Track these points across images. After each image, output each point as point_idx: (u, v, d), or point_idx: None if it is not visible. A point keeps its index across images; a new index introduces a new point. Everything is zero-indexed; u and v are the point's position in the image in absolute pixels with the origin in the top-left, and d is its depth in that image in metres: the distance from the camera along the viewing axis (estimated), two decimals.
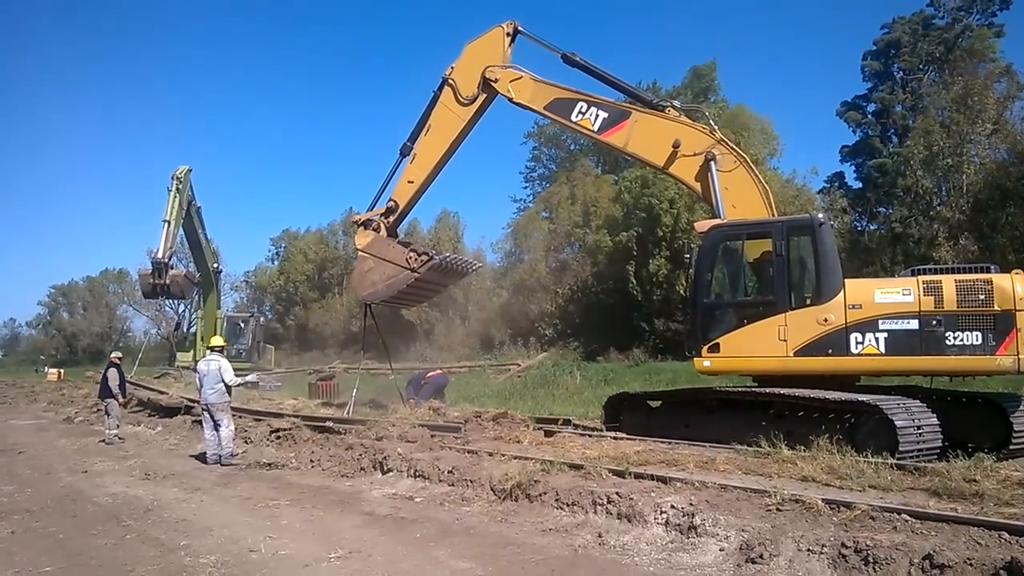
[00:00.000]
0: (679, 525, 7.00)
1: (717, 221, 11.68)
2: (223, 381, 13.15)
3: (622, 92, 13.81)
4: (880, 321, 10.11)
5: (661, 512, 7.24)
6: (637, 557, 6.68)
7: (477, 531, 7.81)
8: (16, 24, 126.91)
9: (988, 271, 10.04)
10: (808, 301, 10.73)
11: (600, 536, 7.21)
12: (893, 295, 10.13)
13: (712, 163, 11.97)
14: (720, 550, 6.50)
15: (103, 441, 16.17)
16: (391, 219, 14.90)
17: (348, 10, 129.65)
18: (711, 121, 13.08)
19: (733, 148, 12.35)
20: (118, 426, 16.79)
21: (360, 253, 14.99)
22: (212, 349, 14.05)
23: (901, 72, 48.28)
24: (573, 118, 13.28)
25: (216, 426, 13.08)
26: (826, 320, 10.40)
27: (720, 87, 48.42)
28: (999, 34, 44.41)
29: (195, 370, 13.69)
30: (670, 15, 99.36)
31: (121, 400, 17.47)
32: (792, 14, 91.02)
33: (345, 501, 9.59)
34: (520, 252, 50.41)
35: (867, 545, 5.75)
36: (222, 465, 12.78)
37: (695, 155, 12.20)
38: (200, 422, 14.02)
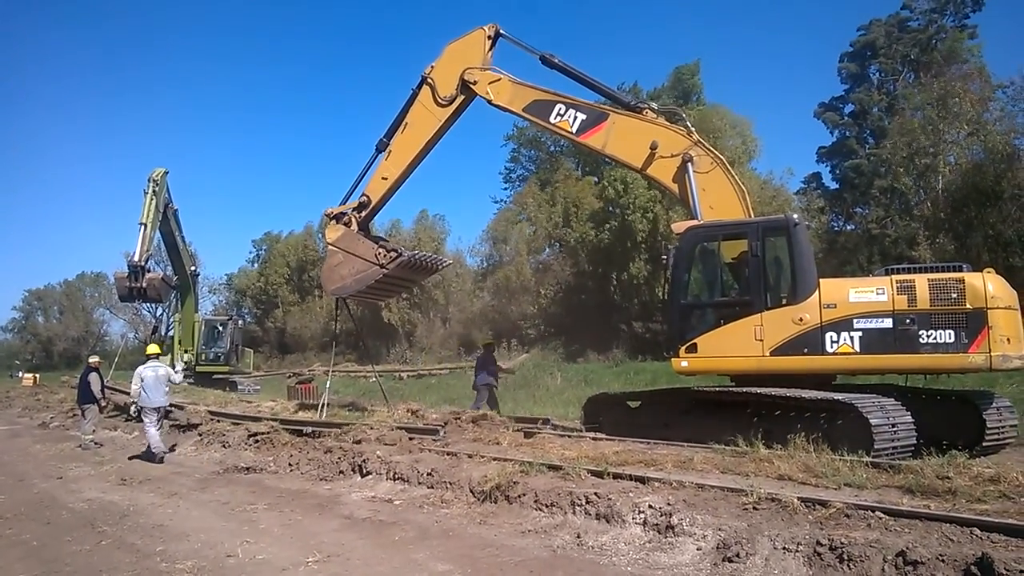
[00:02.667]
0: (657, 525, 7.03)
1: (694, 222, 11.75)
2: (170, 383, 14.77)
3: (600, 94, 13.84)
4: (855, 320, 10.20)
5: (639, 512, 7.28)
6: (615, 557, 6.71)
7: (456, 533, 7.81)
8: None
9: (960, 270, 10.17)
10: (784, 301, 10.80)
11: (579, 536, 7.23)
12: (867, 294, 10.22)
13: (689, 164, 12.01)
14: (697, 549, 6.54)
15: (79, 446, 16.00)
16: (363, 214, 14.84)
17: (331, 15, 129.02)
18: (688, 123, 13.11)
19: (710, 149, 12.40)
20: (94, 431, 16.63)
21: (330, 247, 14.93)
22: (150, 357, 14.96)
23: (878, 73, 48.80)
24: (552, 120, 13.30)
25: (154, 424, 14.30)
26: (801, 320, 10.48)
27: (703, 87, 48.74)
28: (972, 35, 45.03)
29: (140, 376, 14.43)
30: (648, 17, 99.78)
31: (103, 404, 17.33)
32: (769, 16, 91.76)
33: (324, 505, 9.55)
34: (497, 255, 50.44)
35: (842, 543, 5.81)
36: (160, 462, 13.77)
37: (672, 156, 12.24)
38: (138, 421, 15.18)
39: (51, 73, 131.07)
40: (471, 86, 13.86)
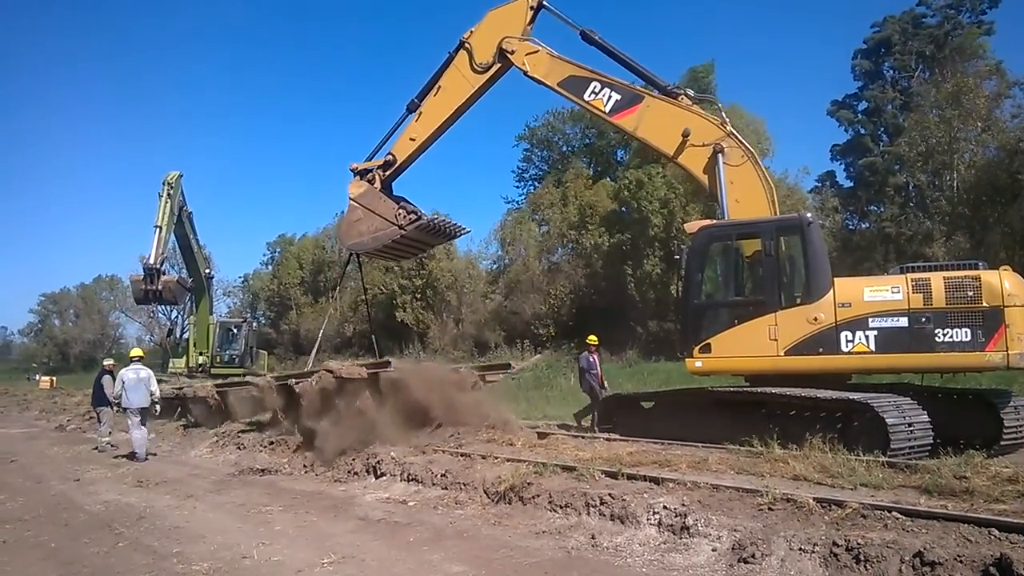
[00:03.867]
0: (672, 526, 7.01)
1: (706, 222, 11.76)
2: (151, 389, 14.98)
3: (638, 75, 13.64)
4: (870, 319, 10.15)
5: (654, 513, 7.26)
6: (630, 558, 6.69)
7: (470, 534, 7.81)
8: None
9: (976, 268, 10.09)
10: (798, 300, 10.76)
11: (593, 538, 7.21)
12: (882, 293, 10.17)
13: (720, 155, 11.91)
14: (713, 550, 6.51)
15: (96, 448, 16.12)
16: (387, 173, 14.89)
17: (345, 16, 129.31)
18: (722, 114, 12.92)
19: (742, 142, 12.24)
20: (111, 433, 16.76)
21: (351, 202, 14.96)
22: (133, 359, 15.39)
23: (892, 71, 48.45)
24: (586, 97, 13.19)
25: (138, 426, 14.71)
26: (816, 319, 10.43)
27: (716, 87, 48.43)
28: (989, 32, 44.68)
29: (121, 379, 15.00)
30: (661, 16, 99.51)
31: (116, 409, 17.47)
32: (781, 14, 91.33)
33: (338, 506, 9.57)
34: (507, 257, 50.39)
35: (858, 543, 5.77)
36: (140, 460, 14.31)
37: (704, 146, 12.12)
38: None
39: (66, 79, 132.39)
40: (508, 55, 13.76)
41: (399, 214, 14.20)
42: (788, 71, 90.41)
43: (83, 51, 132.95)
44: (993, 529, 5.68)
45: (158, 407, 15.62)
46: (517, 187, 62.65)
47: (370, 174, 14.83)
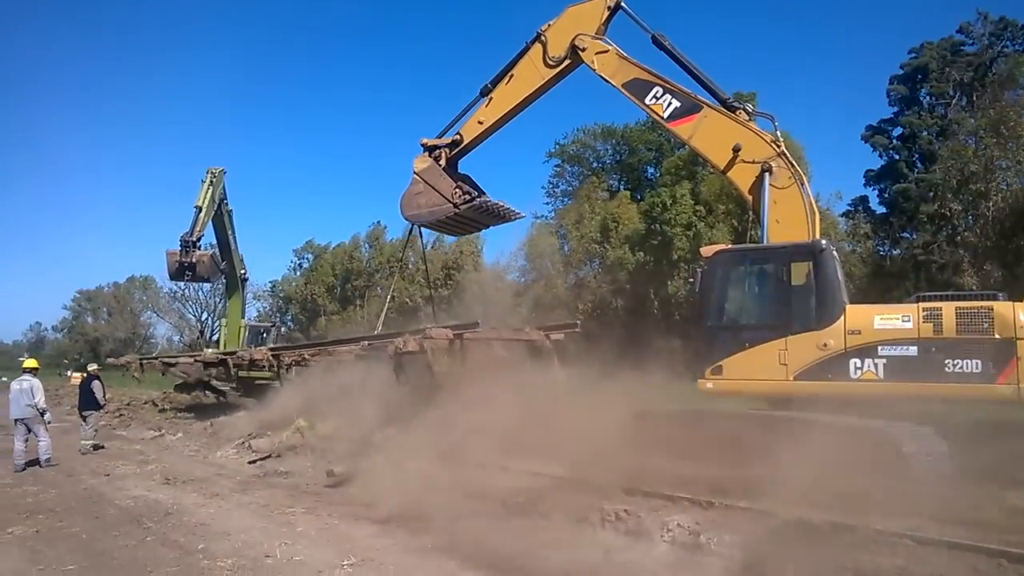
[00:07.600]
0: (685, 543, 7.12)
1: (721, 246, 11.84)
2: (35, 401, 14.50)
3: (700, 84, 13.60)
4: (879, 347, 10.11)
5: (667, 530, 7.37)
6: (643, 574, 6.80)
7: (487, 544, 7.91)
8: (30, 24, 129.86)
9: (995, 299, 10.02)
10: (809, 326, 10.77)
11: (607, 553, 7.33)
12: (892, 321, 10.10)
13: (767, 175, 11.97)
14: (724, 569, 6.61)
15: (80, 451, 16.24)
16: (453, 152, 15.47)
17: (380, 23, 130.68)
18: (778, 133, 12.77)
19: (792, 164, 12.23)
20: (96, 432, 17.20)
21: (414, 175, 15.52)
22: (26, 371, 15.10)
23: (929, 97, 48.02)
24: (647, 100, 13.33)
25: (29, 438, 14.54)
26: (826, 345, 10.43)
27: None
28: None
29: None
30: (698, 38, 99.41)
31: (101, 412, 17.85)
32: (816, 37, 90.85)
33: (358, 511, 9.73)
34: (532, 271, 50.43)
35: (868, 568, 5.84)
36: (42, 466, 14.22)
37: (753, 163, 12.18)
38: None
39: (100, 79, 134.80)
40: (579, 52, 13.98)
41: (455, 192, 14.85)
42: (823, 95, 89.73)
43: (118, 49, 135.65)
44: (1003, 560, 5.75)
45: (47, 415, 15.22)
46: (547, 203, 62.77)
47: (437, 151, 15.38)
